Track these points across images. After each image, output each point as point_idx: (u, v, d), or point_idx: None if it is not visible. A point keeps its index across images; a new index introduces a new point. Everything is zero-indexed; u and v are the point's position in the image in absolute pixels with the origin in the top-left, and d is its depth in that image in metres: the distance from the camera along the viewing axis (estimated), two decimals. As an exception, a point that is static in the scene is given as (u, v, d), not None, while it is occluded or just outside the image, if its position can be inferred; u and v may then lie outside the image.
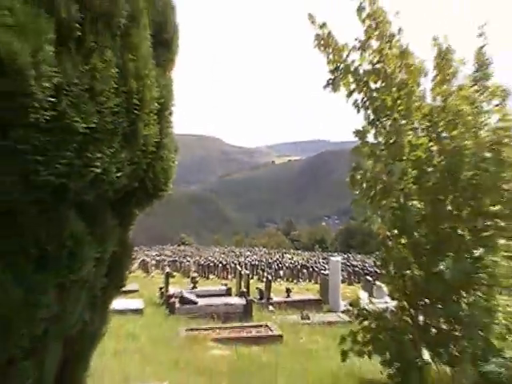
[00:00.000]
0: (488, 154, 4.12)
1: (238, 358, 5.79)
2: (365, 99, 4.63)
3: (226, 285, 13.26)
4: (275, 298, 11.12)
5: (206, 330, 7.31)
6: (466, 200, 4.16)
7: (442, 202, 4.23)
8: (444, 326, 4.24)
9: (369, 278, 15.63)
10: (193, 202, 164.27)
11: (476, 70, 4.59)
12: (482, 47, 4.57)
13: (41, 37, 1.62)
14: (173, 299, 9.49)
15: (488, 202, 4.12)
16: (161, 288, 11.72)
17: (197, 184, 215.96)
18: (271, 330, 7.20)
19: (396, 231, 4.37)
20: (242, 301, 9.63)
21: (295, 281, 22.98)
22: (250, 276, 16.33)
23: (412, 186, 4.40)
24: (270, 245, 67.34)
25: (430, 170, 4.25)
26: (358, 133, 4.65)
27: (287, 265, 29.69)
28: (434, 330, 4.29)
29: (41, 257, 1.95)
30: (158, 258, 31.06)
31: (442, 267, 4.07)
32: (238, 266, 20.83)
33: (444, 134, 4.33)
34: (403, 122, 4.26)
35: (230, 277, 22.11)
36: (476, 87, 4.54)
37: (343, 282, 16.63)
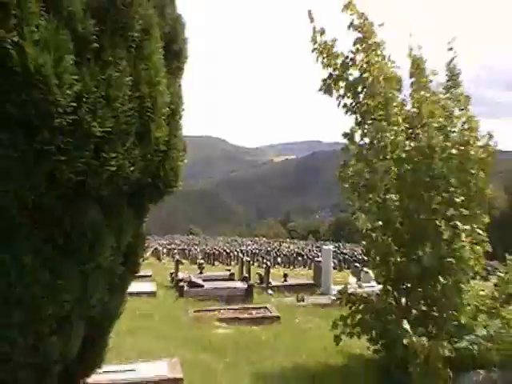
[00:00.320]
0: (454, 151, 4.19)
1: (240, 335, 5.82)
2: (353, 104, 4.64)
3: (229, 270, 13.27)
4: (274, 283, 11.12)
5: (211, 310, 7.33)
6: (439, 193, 4.21)
7: (420, 195, 4.27)
8: (423, 308, 4.29)
9: (357, 264, 15.62)
10: (200, 196, 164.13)
11: (448, 79, 4.78)
12: (451, 60, 4.75)
13: (61, 49, 1.64)
14: (182, 283, 9.51)
15: (458, 193, 4.20)
16: (171, 273, 11.75)
17: (204, 180, 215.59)
18: (270, 312, 7.22)
19: (380, 223, 4.40)
20: (244, 285, 9.64)
21: (291, 267, 23.03)
22: (251, 262, 16.34)
23: (394, 181, 4.44)
24: (269, 235, 67.41)
25: (408, 167, 4.29)
26: (345, 135, 4.67)
27: (284, 253, 29.76)
28: (414, 311, 4.33)
29: (65, 245, 1.99)
30: (168, 247, 31.06)
31: (420, 253, 4.13)
32: (240, 254, 20.88)
33: (420, 136, 4.38)
34: (385, 124, 4.29)
35: (233, 263, 22.14)
36: (448, 95, 4.69)
37: (334, 268, 16.63)
